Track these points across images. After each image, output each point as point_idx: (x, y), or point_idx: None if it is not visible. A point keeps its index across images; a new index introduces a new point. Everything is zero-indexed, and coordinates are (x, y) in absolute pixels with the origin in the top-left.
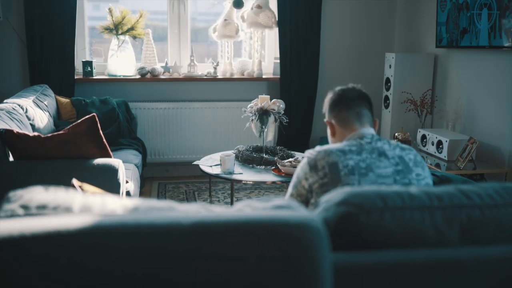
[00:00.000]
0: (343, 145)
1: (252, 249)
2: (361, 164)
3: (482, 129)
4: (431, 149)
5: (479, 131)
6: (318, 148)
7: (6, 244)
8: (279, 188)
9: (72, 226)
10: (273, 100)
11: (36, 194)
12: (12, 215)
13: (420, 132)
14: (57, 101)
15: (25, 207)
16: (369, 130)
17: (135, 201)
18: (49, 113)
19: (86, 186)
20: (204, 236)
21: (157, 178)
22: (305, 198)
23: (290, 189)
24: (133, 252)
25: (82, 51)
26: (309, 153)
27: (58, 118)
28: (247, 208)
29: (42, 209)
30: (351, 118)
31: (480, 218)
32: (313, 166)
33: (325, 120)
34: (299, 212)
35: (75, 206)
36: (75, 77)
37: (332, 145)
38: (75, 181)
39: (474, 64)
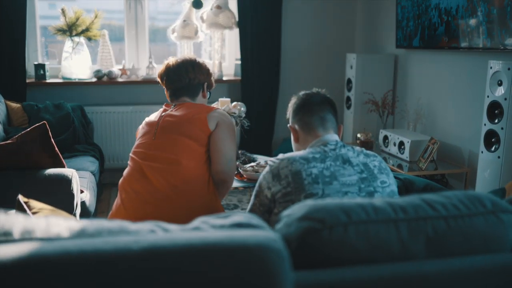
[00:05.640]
0: (307, 152)
1: (209, 275)
2: (325, 172)
3: (443, 129)
4: (393, 150)
5: (440, 131)
6: (281, 156)
7: None
8: (242, 192)
9: (7, 255)
10: (233, 104)
11: None
12: None
13: (382, 132)
14: (7, 106)
15: None
16: (333, 137)
17: (82, 223)
18: None
19: (34, 203)
20: (156, 263)
21: (116, 185)
22: (268, 207)
23: (252, 198)
24: (77, 283)
25: (34, 53)
26: (272, 161)
27: (9, 124)
28: (204, 226)
29: None
30: (315, 123)
31: (445, 229)
32: (275, 174)
33: (289, 125)
34: (259, 232)
35: (15, 231)
36: (27, 81)
37: (295, 153)
38: (21, 197)
39: (433, 64)
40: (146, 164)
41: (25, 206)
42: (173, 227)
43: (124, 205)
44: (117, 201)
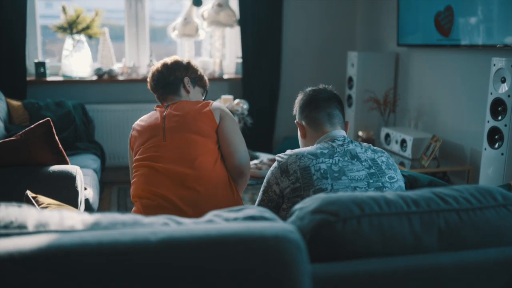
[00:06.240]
0: (315, 148)
1: (227, 266)
2: (334, 167)
3: (444, 127)
4: (395, 147)
5: (441, 129)
6: (289, 151)
7: None
8: (245, 190)
9: (26, 247)
10: (236, 101)
11: None
12: None
13: (384, 130)
14: (8, 104)
15: None
16: (341, 132)
17: (96, 216)
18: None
19: (41, 198)
20: (174, 254)
21: (117, 183)
22: (276, 203)
23: (260, 194)
24: (96, 274)
25: (34, 51)
26: (280, 157)
27: (9, 122)
28: (217, 219)
29: None
30: (322, 120)
31: (457, 222)
32: (284, 170)
33: (296, 121)
34: (275, 223)
35: (29, 223)
36: (27, 79)
37: (303, 149)
38: (29, 193)
39: (434, 62)
40: (162, 167)
41: (33, 201)
42: (186, 220)
43: (146, 213)
44: (134, 212)
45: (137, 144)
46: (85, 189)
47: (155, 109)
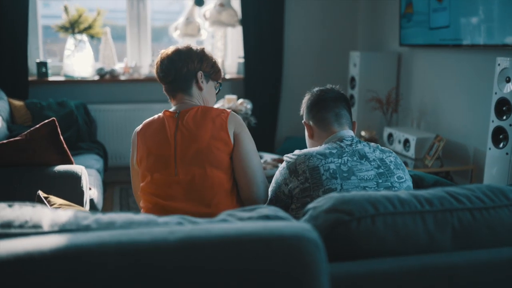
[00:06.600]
0: (323, 148)
1: (246, 265)
2: (343, 167)
3: (447, 126)
4: (398, 147)
5: (444, 129)
6: (297, 152)
7: None
8: None
9: (45, 246)
10: (240, 101)
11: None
12: None
13: (387, 130)
14: (10, 104)
15: None
16: (349, 132)
17: (109, 215)
18: (2, 117)
19: (53, 199)
20: (193, 253)
21: (119, 183)
22: (285, 203)
23: (269, 194)
24: (116, 273)
25: (36, 51)
26: (288, 157)
27: (12, 122)
28: (231, 218)
29: (6, 227)
30: (330, 120)
31: (471, 221)
32: (293, 170)
33: (303, 121)
34: (292, 223)
35: (44, 223)
36: (29, 79)
37: (312, 149)
38: (41, 193)
39: (437, 62)
40: (174, 207)
41: (45, 201)
42: (200, 220)
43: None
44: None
45: (143, 165)
46: (90, 189)
47: (164, 116)
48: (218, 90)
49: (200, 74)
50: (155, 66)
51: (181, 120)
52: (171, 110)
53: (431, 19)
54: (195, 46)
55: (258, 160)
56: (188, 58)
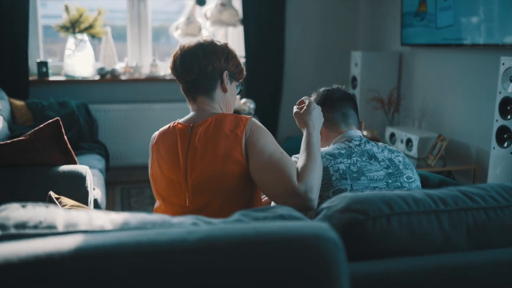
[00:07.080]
0: (332, 148)
1: (266, 265)
2: (352, 167)
3: (449, 126)
4: (401, 147)
5: (446, 128)
6: None
7: None
8: None
9: (63, 248)
10: (243, 100)
11: (13, 211)
12: None
13: (389, 130)
14: (11, 104)
15: (2, 226)
16: (356, 132)
17: (123, 215)
18: (3, 117)
19: (64, 199)
20: (212, 254)
21: (120, 183)
22: None
23: None
24: (136, 274)
25: (36, 51)
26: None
27: (13, 122)
28: (245, 219)
29: (21, 228)
30: (337, 120)
31: (485, 220)
32: None
33: None
34: (309, 222)
35: (59, 223)
36: (30, 79)
37: (320, 149)
38: (52, 194)
39: (438, 62)
40: None
41: (56, 202)
42: (214, 220)
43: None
44: (156, 208)
45: (156, 186)
46: (94, 189)
47: (176, 130)
48: (239, 90)
49: (225, 74)
50: (171, 61)
51: (194, 136)
52: (184, 121)
53: (437, 18)
54: (217, 40)
55: (284, 160)
56: (214, 54)
